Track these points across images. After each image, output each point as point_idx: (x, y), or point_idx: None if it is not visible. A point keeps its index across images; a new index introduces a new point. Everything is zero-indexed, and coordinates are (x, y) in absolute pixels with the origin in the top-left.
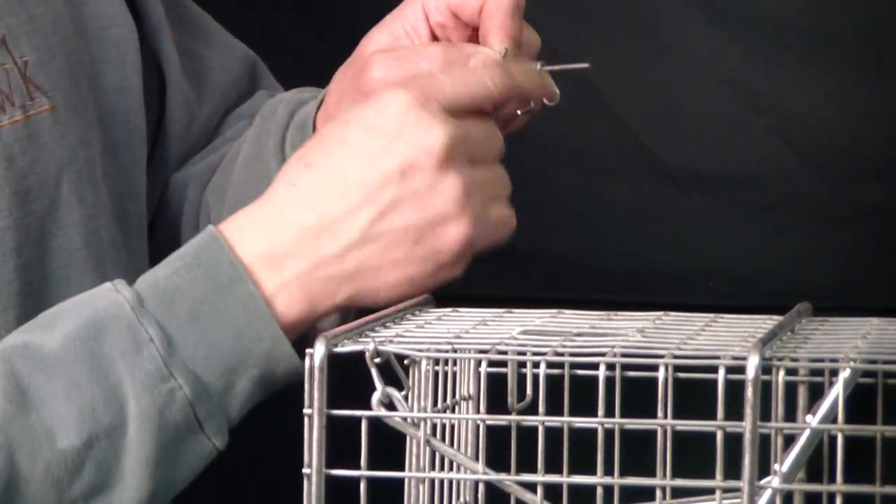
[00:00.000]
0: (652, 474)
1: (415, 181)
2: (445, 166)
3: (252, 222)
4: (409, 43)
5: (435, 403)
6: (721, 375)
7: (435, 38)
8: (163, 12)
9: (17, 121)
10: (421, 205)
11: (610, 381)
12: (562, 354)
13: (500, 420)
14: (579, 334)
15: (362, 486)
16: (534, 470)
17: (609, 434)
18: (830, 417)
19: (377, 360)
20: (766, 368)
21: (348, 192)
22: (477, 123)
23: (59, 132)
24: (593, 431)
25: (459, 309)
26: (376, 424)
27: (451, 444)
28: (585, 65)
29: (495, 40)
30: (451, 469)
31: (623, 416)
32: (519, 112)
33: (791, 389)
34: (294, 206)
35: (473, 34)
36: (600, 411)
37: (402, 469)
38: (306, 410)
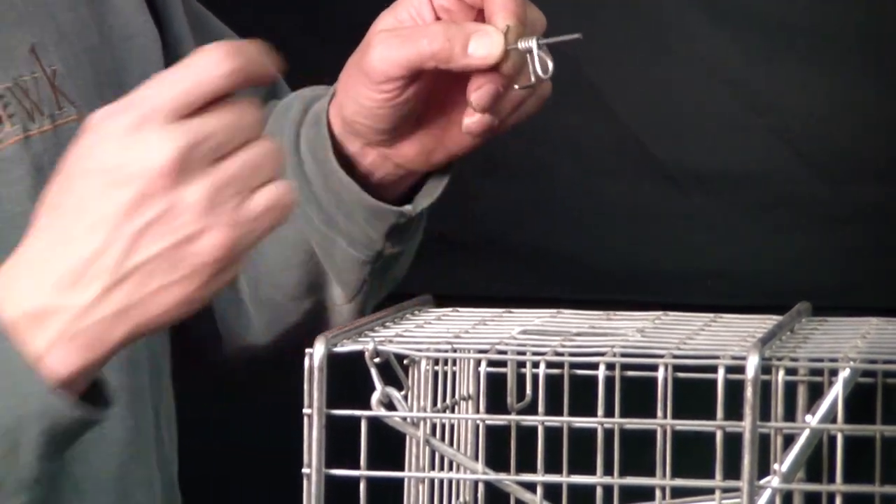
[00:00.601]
0: (651, 474)
1: (153, 207)
2: (179, 181)
3: (11, 279)
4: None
5: (434, 403)
6: (720, 375)
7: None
8: (186, 24)
9: (46, 130)
10: (166, 229)
11: (609, 381)
12: (561, 354)
13: (499, 420)
14: (579, 334)
15: (362, 485)
16: (533, 470)
17: (608, 434)
18: (830, 417)
19: (377, 359)
20: (765, 368)
21: (90, 235)
22: (212, 116)
23: None
24: (593, 431)
25: (459, 309)
26: (376, 424)
27: (451, 444)
28: (577, 35)
29: (498, 18)
30: (450, 469)
31: (622, 415)
32: (517, 87)
33: (790, 389)
34: (43, 255)
35: (479, 17)
36: (600, 411)
37: (401, 469)
38: (306, 410)
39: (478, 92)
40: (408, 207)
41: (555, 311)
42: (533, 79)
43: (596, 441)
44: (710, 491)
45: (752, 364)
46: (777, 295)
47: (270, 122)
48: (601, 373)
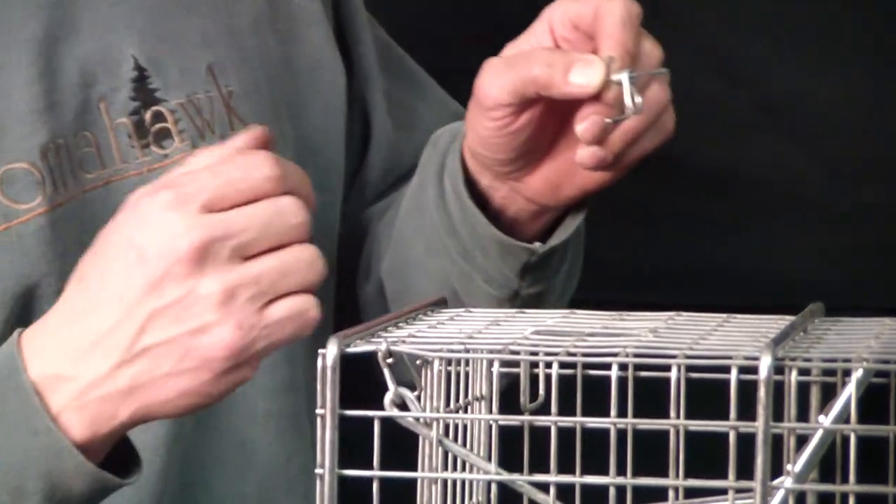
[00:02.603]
0: (664, 474)
1: (168, 293)
2: (199, 271)
3: (37, 340)
4: None
5: (447, 403)
6: (733, 375)
7: None
8: (375, 62)
9: None
10: (179, 316)
11: (622, 381)
12: (574, 354)
13: (512, 420)
14: (591, 334)
15: (375, 486)
16: (546, 470)
17: (621, 434)
18: (843, 417)
19: (390, 360)
20: (778, 368)
21: (109, 309)
22: (248, 214)
23: None
24: (605, 431)
25: (472, 309)
26: (389, 425)
27: (464, 445)
28: (665, 70)
29: (604, 48)
30: (463, 469)
31: (635, 416)
32: (609, 120)
33: (804, 389)
34: (64, 324)
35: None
36: (613, 411)
37: (414, 469)
38: (318, 410)
39: (582, 123)
40: (537, 244)
41: (567, 311)
42: (626, 112)
43: (609, 441)
44: (723, 491)
45: (764, 364)
46: (790, 295)
47: (424, 153)
48: (614, 373)
